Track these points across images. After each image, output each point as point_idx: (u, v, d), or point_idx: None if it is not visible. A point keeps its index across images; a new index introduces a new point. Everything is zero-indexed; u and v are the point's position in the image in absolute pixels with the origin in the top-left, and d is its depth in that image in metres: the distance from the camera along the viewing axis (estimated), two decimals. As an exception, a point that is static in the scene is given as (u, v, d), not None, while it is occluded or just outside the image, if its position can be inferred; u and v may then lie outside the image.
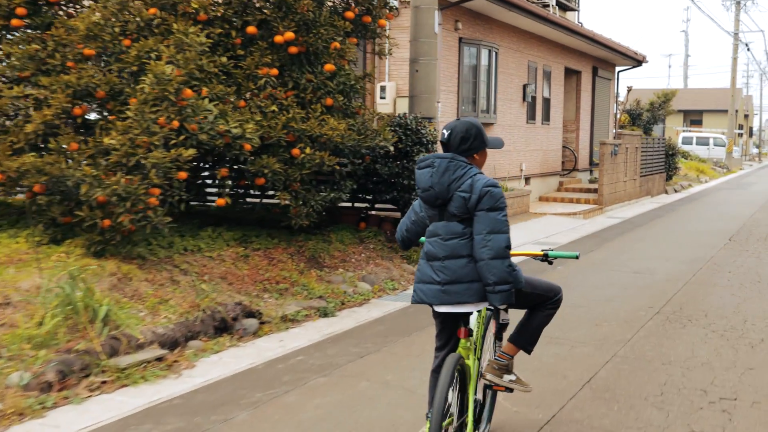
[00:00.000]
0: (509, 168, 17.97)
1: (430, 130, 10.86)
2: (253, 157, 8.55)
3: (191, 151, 7.56)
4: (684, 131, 53.77)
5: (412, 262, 10.54)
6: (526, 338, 4.49)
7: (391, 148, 9.93)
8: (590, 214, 18.13)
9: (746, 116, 65.43)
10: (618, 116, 29.59)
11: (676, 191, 27.58)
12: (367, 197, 11.09)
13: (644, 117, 29.07)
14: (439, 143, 6.26)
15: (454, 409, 3.99)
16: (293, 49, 9.01)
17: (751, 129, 70.03)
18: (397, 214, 11.24)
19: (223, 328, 7.29)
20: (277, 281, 8.63)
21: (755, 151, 68.89)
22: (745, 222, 17.87)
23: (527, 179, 19.09)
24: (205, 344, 6.91)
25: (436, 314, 4.21)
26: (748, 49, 46.65)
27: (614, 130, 25.64)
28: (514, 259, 4.10)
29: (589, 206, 18.95)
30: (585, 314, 8.33)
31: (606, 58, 24.43)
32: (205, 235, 8.96)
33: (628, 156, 21.35)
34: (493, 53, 16.70)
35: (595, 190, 19.92)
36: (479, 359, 4.40)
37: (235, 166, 9.10)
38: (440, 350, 4.30)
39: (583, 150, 23.42)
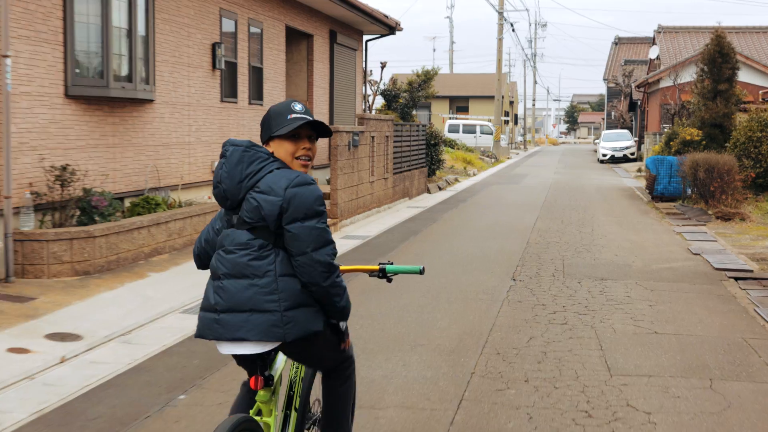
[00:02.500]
0: (190, 170, 11.85)
1: None
2: None
3: None
4: (450, 118, 50.25)
5: None
6: (336, 426, 3.48)
7: None
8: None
9: (512, 103, 63.60)
10: (371, 98, 24.28)
11: (441, 189, 22.71)
12: None
13: (402, 99, 24.01)
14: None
15: None
16: None
17: (516, 116, 68.62)
18: None
19: None
20: None
21: (521, 138, 67.49)
22: (529, 238, 12.90)
23: (227, 184, 13.08)
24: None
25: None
26: (513, 30, 43.64)
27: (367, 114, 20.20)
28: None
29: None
30: None
31: (348, 21, 18.84)
32: None
33: (376, 148, 15.89)
34: (151, -12, 10.41)
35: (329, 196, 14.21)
36: (299, 409, 3.45)
37: None
38: (243, 386, 3.37)
39: (318, 141, 17.67)
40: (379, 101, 24.58)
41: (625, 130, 45.75)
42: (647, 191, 20.56)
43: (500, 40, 42.54)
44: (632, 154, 41.88)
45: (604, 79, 60.88)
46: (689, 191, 18.35)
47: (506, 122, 56.91)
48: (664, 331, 7.09)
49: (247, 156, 3.12)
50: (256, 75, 14.10)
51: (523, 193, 21.78)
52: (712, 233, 14.10)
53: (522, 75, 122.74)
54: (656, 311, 7.82)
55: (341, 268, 3.32)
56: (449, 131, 44.31)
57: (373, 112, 22.64)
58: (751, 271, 10.31)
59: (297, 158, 3.22)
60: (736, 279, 9.77)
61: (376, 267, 3.65)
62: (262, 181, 3.08)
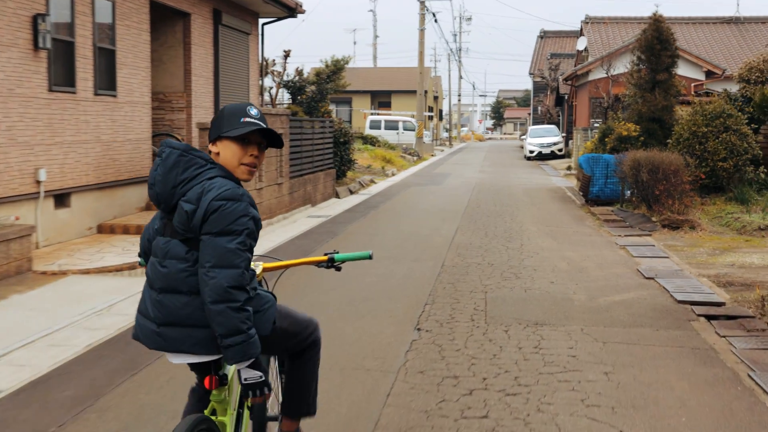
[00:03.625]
0: (1, 177, 9.03)
1: None
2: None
3: None
4: (372, 114, 47.75)
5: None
6: (300, 402, 3.47)
7: None
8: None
9: (436, 98, 61.50)
10: (274, 90, 21.65)
11: (352, 192, 20.18)
12: None
13: (309, 92, 21.40)
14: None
15: None
16: None
17: (441, 112, 66.61)
18: None
19: None
20: None
21: (445, 135, 65.49)
22: (445, 258, 10.47)
23: (61, 197, 10.27)
24: None
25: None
26: (436, 20, 41.37)
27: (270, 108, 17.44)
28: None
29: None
30: None
31: None
32: None
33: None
34: None
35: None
36: (251, 407, 3.46)
37: None
38: (192, 394, 3.33)
39: (205, 140, 14.90)
40: (287, 96, 21.91)
41: (553, 126, 44.04)
42: (580, 193, 18.41)
43: (422, 31, 40.25)
44: (560, 150, 40.11)
45: (530, 74, 59.26)
46: (628, 194, 16.22)
47: (430, 118, 54.74)
48: (635, 430, 4.67)
49: (183, 161, 3.00)
50: (107, 59, 11.30)
51: (443, 197, 19.40)
52: (660, 246, 11.91)
53: (447, 70, 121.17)
54: (616, 386, 5.42)
55: (285, 263, 3.57)
56: (371, 128, 41.92)
57: (284, 106, 19.98)
58: (723, 304, 8.05)
59: (243, 164, 3.09)
60: (707, 318, 7.49)
61: (325, 257, 3.61)
62: (193, 189, 2.95)
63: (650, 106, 18.44)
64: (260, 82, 18.14)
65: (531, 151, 40.05)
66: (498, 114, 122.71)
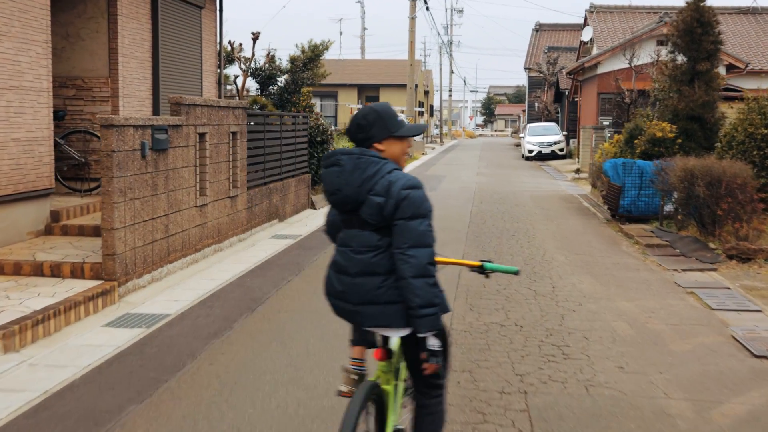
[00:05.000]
0: None
1: None
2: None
3: None
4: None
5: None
6: None
7: None
8: (43, 328, 6.59)
9: (426, 93, 58.31)
10: (240, 79, 18.48)
11: (331, 201, 17.00)
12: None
13: (281, 82, 18.17)
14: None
15: None
16: None
17: (431, 107, 63.44)
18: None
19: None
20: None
21: (436, 131, 62.30)
22: (452, 316, 7.30)
23: None
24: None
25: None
26: (427, 8, 38.21)
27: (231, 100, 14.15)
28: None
29: (76, 288, 7.40)
30: None
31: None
32: None
33: (212, 151, 10.06)
34: None
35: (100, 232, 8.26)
36: (404, 381, 3.74)
37: None
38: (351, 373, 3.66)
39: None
40: (256, 86, 18.68)
41: (553, 124, 40.94)
42: (605, 206, 15.29)
43: (413, 19, 37.05)
44: (561, 150, 37.05)
45: (526, 68, 56.21)
46: (669, 208, 13.11)
47: (421, 114, 51.55)
48: None
49: (362, 162, 3.34)
50: (-23, 27, 8.07)
51: (440, 207, 16.23)
52: (738, 289, 8.85)
53: (438, 64, 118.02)
54: None
55: (438, 259, 3.50)
56: (355, 124, 38.68)
57: (263, 100, 16.75)
58: None
59: (404, 155, 3.54)
60: None
61: (477, 263, 3.89)
62: (379, 183, 3.30)
63: (688, 102, 15.33)
64: (219, 68, 14.92)
65: (530, 151, 36.95)
66: (489, 110, 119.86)
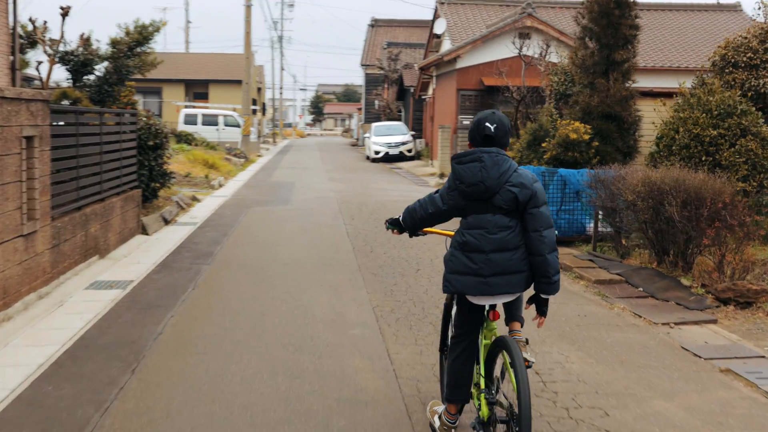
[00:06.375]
0: None
1: None
2: None
3: None
4: (187, 107, 40.22)
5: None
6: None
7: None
8: None
9: (259, 90, 54.53)
10: (46, 66, 14.43)
11: (168, 221, 13.35)
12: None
13: (100, 70, 14.26)
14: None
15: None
16: None
17: (264, 105, 59.72)
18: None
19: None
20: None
21: (269, 131, 58.63)
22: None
23: None
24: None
25: (466, 302, 4.18)
26: (264, -4, 34.57)
27: None
28: None
29: None
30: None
31: None
32: None
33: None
34: None
35: None
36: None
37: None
38: (464, 336, 4.28)
39: None
40: (67, 75, 14.62)
41: (399, 123, 38.52)
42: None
43: (248, 7, 33.41)
44: (409, 150, 34.64)
45: (363, 65, 53.74)
46: (605, 230, 10.58)
47: (254, 112, 47.79)
48: None
49: (499, 160, 4.01)
50: None
51: (307, 227, 12.98)
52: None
53: (268, 60, 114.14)
54: None
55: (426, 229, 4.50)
56: (186, 123, 34.60)
57: (76, 93, 12.72)
58: None
59: None
60: None
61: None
62: (513, 176, 3.99)
63: (604, 98, 12.92)
64: (13, 51, 10.94)
65: (377, 152, 34.26)
66: (317, 109, 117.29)
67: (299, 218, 14.26)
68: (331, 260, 10.15)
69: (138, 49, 14.80)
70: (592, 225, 11.34)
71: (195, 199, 16.79)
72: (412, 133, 36.53)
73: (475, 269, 3.97)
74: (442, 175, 24.21)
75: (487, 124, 4.02)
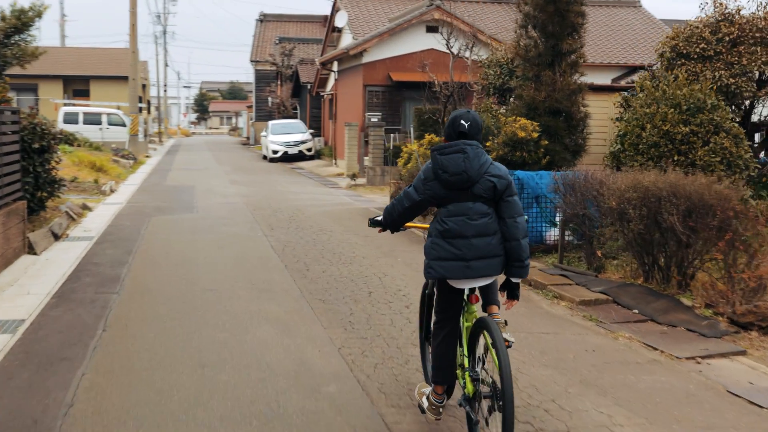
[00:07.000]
0: None
1: None
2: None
3: None
4: (66, 105, 37.31)
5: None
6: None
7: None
8: None
9: (144, 87, 51.60)
10: None
11: (58, 237, 11.39)
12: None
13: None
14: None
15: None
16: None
17: (149, 103, 56.73)
18: None
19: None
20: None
21: (154, 129, 55.73)
22: None
23: None
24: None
25: (447, 287, 4.38)
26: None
27: None
28: None
29: None
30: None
31: None
32: None
33: None
34: None
35: None
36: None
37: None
38: (447, 320, 4.47)
39: None
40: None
41: (297, 121, 36.85)
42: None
43: (134, -3, 30.99)
44: (309, 150, 33.11)
45: (253, 61, 51.67)
46: (569, 239, 9.42)
47: (140, 110, 45.07)
48: None
49: (479, 152, 4.28)
50: None
51: (224, 241, 11.30)
52: None
53: (152, 56, 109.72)
54: None
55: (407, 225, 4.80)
56: (65, 122, 31.93)
57: None
58: None
59: None
60: None
61: None
62: (491, 168, 4.27)
63: (551, 92, 11.79)
64: None
65: (275, 152, 32.55)
66: (202, 107, 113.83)
67: (211, 229, 12.54)
68: (265, 283, 8.57)
69: (16, 37, 12.74)
70: (551, 233, 10.19)
71: (86, 207, 14.77)
72: (311, 131, 34.97)
73: (459, 254, 4.23)
74: (353, 176, 22.74)
75: (462, 121, 4.32)
